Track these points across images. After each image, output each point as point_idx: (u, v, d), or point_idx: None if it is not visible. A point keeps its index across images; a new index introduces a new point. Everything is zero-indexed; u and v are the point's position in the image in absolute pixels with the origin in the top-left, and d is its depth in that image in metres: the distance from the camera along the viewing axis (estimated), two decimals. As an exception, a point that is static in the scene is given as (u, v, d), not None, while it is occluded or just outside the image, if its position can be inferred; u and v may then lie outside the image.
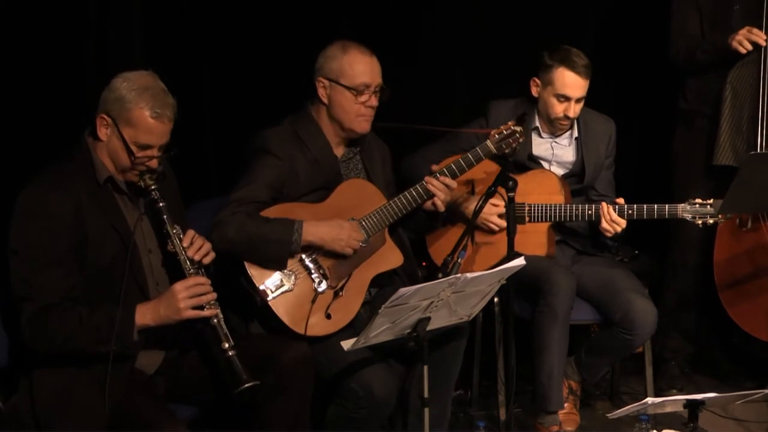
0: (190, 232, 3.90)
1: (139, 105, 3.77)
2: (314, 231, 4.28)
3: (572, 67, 4.83)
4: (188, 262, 3.84)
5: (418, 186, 4.46)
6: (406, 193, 4.45)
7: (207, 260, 3.90)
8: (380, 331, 3.83)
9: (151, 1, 5.07)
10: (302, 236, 4.26)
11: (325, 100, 4.42)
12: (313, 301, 4.29)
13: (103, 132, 3.81)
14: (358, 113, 4.39)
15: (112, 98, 3.80)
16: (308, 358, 4.00)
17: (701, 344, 5.56)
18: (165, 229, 3.85)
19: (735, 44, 5.04)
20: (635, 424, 3.77)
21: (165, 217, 3.85)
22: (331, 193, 4.42)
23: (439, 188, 4.45)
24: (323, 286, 4.32)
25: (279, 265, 4.27)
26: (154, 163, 3.83)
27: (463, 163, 4.51)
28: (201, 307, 3.79)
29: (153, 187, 3.84)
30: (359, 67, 4.38)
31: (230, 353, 3.78)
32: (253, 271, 4.27)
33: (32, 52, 4.74)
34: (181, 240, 3.85)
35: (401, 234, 4.57)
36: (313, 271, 4.32)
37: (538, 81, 4.92)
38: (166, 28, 5.12)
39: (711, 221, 4.76)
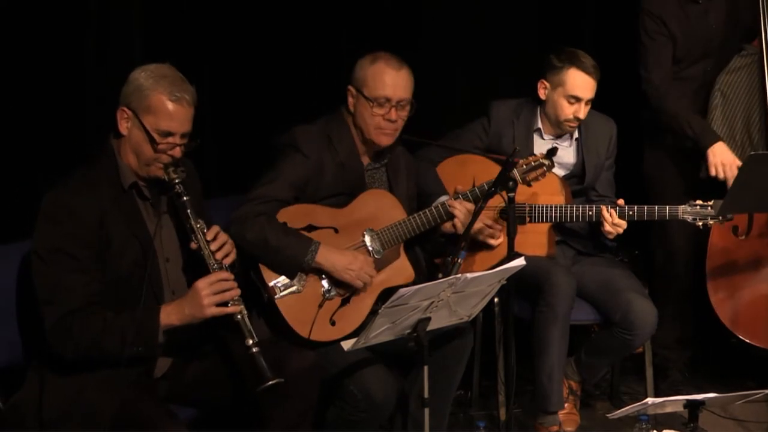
0: (215, 228, 3.87)
1: (158, 90, 3.76)
2: (328, 256, 4.27)
3: (583, 68, 4.82)
4: (212, 257, 3.81)
5: (439, 205, 4.46)
6: (426, 211, 4.45)
7: (228, 261, 3.87)
8: (380, 331, 3.83)
9: (151, 0, 5.07)
10: (315, 258, 4.26)
11: (351, 108, 4.41)
12: (320, 306, 4.28)
13: (123, 126, 3.79)
14: (377, 125, 4.37)
15: (131, 90, 3.79)
16: (315, 366, 3.98)
17: (700, 345, 5.56)
18: (188, 224, 3.82)
19: (713, 170, 4.94)
20: (635, 425, 3.77)
21: (189, 211, 3.81)
22: (353, 200, 4.41)
23: (461, 211, 4.45)
24: (332, 292, 4.32)
25: (288, 275, 4.27)
26: (177, 152, 3.80)
27: (487, 188, 4.48)
28: (225, 304, 3.76)
29: (177, 181, 3.81)
30: (382, 78, 4.35)
31: (254, 350, 3.75)
32: (264, 268, 4.26)
33: (32, 52, 4.74)
34: (204, 234, 3.82)
35: (417, 252, 4.57)
36: (324, 276, 4.31)
37: (546, 83, 4.91)
38: (166, 27, 5.12)
39: (711, 222, 4.75)
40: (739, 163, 4.93)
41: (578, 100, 4.86)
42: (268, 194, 4.27)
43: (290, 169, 4.33)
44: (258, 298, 4.27)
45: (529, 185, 4.55)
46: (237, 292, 3.80)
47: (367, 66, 4.39)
